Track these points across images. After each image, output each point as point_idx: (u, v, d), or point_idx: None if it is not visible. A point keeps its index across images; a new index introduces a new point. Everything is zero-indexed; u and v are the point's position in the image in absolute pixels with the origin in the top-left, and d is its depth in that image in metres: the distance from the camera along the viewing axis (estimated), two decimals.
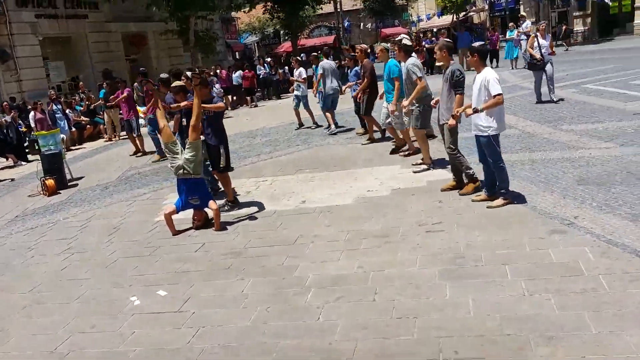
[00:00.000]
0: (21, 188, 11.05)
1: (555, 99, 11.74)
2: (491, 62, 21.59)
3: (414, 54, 8.61)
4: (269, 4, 31.69)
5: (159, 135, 10.03)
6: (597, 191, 5.93)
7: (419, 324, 3.79)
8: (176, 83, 7.80)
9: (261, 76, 24.33)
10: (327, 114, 12.11)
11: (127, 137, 14.08)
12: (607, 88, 12.86)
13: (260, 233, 6.23)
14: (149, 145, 12.73)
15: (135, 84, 16.12)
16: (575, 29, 38.67)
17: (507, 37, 22.76)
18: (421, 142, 7.97)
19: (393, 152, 9.24)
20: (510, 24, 23.60)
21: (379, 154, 9.31)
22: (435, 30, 39.50)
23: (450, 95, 6.49)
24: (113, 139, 16.74)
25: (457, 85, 6.31)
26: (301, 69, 13.92)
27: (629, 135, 8.07)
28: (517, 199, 6.03)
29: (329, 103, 12.08)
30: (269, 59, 28.56)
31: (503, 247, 4.85)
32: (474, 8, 45.53)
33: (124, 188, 9.68)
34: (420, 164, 7.99)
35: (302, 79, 13.52)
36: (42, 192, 9.87)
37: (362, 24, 57.63)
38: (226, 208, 7.16)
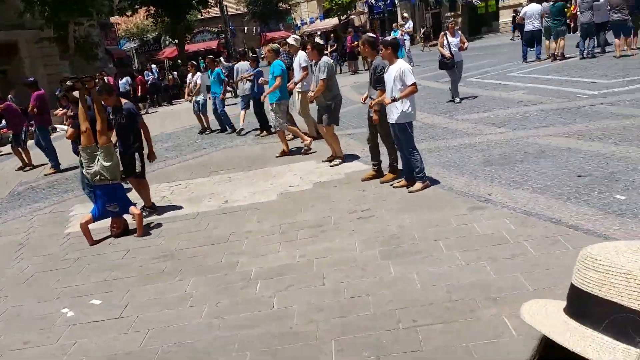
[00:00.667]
0: None
1: (457, 100, 11.37)
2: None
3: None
4: (152, 8, 30.63)
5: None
6: (502, 170, 6.49)
7: (373, 301, 3.95)
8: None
9: (149, 82, 23.52)
10: (242, 112, 12.09)
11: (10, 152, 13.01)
12: (489, 80, 13.99)
13: (188, 235, 6.10)
14: (37, 158, 11.86)
15: (10, 95, 14.96)
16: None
17: (391, 37, 23.87)
18: (332, 139, 8.17)
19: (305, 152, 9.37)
20: (394, 24, 24.84)
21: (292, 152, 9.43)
22: (319, 32, 40.75)
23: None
24: None
25: (378, 80, 6.58)
26: (198, 73, 13.60)
27: (519, 121, 8.88)
28: (434, 182, 6.43)
29: (244, 104, 12.20)
30: (154, 65, 27.62)
31: (432, 226, 5.17)
32: (354, 11, 47.13)
33: (18, 204, 8.95)
34: (333, 158, 8.20)
35: (198, 84, 13.25)
36: None
37: (246, 27, 57.51)
38: (145, 214, 6.91)
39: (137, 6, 29.97)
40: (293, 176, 7.89)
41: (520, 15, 17.12)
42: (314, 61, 8.28)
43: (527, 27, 15.88)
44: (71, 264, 5.71)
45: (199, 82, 13.30)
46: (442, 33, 11.60)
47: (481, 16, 42.15)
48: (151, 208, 7.08)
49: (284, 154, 9.20)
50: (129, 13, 30.23)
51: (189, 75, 13.90)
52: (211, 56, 15.63)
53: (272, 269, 4.80)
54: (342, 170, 7.73)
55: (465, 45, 11.60)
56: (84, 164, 6.33)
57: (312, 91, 8.27)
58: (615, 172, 5.78)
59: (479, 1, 40.05)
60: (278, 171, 8.30)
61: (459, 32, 11.57)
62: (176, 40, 40.38)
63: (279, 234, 5.65)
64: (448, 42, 11.20)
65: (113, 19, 41.50)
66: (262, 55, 27.69)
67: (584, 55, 14.82)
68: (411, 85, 6.01)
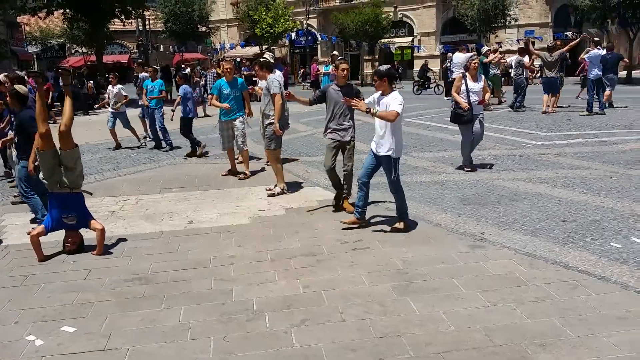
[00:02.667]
0: None
1: (467, 169, 8.61)
2: None
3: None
4: (69, 12, 28.72)
5: None
6: (484, 210, 6.49)
7: (408, 341, 3.63)
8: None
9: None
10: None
11: None
12: (429, 122, 14.36)
13: (159, 256, 5.44)
14: None
15: None
16: (365, 72, 42.79)
17: (322, 71, 24.11)
18: (275, 164, 7.75)
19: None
20: (326, 59, 25.15)
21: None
22: (239, 59, 40.45)
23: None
24: None
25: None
26: (118, 85, 12.59)
27: (477, 163, 9.04)
28: (417, 217, 6.29)
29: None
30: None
31: (438, 262, 4.97)
32: (279, 42, 47.38)
33: None
34: (274, 187, 7.76)
35: (123, 96, 12.53)
36: None
37: (161, 45, 55.89)
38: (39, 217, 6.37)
39: (53, 8, 28.03)
40: (259, 200, 7.43)
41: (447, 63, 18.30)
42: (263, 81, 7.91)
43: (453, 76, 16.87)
44: (22, 282, 4.85)
45: (124, 93, 12.45)
46: (460, 75, 8.82)
47: (397, 63, 44.10)
48: None
49: (230, 172, 8.94)
50: (42, 13, 28.21)
51: (110, 87, 12.81)
52: (154, 66, 14.78)
53: (276, 300, 4.33)
54: (312, 198, 7.39)
55: (488, 97, 9.03)
56: (42, 171, 5.50)
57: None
58: (598, 220, 5.93)
59: (396, 48, 41.84)
60: (240, 193, 7.79)
61: (482, 76, 8.84)
62: (88, 50, 38.32)
63: (269, 261, 5.18)
64: (467, 88, 8.38)
65: (20, 19, 38.66)
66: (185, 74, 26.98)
67: (515, 108, 15.73)
68: (395, 111, 5.77)
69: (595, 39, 16.30)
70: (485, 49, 18.53)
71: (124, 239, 5.96)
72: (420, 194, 7.31)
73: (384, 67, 6.13)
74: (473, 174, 8.36)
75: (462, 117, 8.39)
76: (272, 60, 8.67)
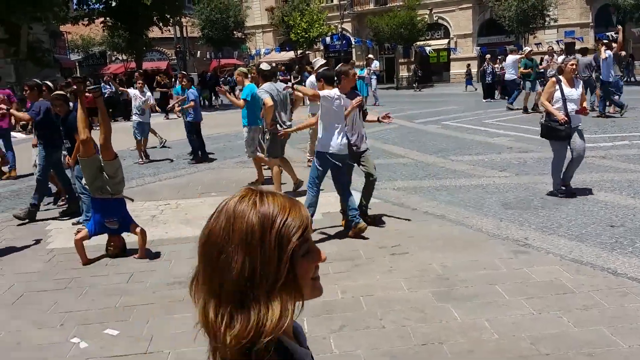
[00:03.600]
0: None
1: (560, 195, 6.96)
2: None
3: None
4: (109, 20, 29.52)
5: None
6: (527, 215, 6.32)
7: (450, 349, 3.55)
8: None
9: (106, 95, 22.39)
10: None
11: None
12: (467, 125, 14.14)
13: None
14: None
15: None
16: (400, 75, 42.54)
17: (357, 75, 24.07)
18: (273, 173, 7.80)
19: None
20: (360, 63, 25.08)
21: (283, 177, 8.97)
22: (274, 64, 40.70)
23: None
24: None
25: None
26: (148, 92, 12.14)
27: (518, 166, 8.86)
28: (457, 222, 6.18)
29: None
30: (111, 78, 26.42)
31: (479, 268, 4.86)
32: (313, 47, 47.49)
33: None
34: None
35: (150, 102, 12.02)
36: None
37: (198, 52, 56.81)
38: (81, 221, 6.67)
39: (94, 16, 28.84)
40: None
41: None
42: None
43: (506, 77, 17.08)
44: (67, 285, 4.96)
45: (152, 101, 12.32)
46: (553, 78, 7.20)
47: (432, 65, 43.65)
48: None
49: (257, 181, 8.73)
50: (85, 22, 29.04)
51: (136, 91, 11.98)
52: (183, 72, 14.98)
53: (315, 305, 4.29)
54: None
55: (587, 105, 7.23)
56: (84, 177, 5.64)
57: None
58: None
59: (432, 50, 41.41)
60: None
61: (580, 80, 7.31)
62: (128, 57, 39.26)
63: None
64: (563, 95, 6.80)
65: (63, 28, 39.87)
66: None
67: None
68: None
69: (605, 40, 15.82)
70: (527, 49, 18.06)
71: (165, 243, 6.04)
72: (460, 198, 7.19)
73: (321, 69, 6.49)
74: (515, 177, 8.18)
75: (559, 132, 6.74)
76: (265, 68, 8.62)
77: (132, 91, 12.13)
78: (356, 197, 6.19)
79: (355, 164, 6.26)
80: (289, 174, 8.10)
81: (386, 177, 8.54)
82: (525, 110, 15.77)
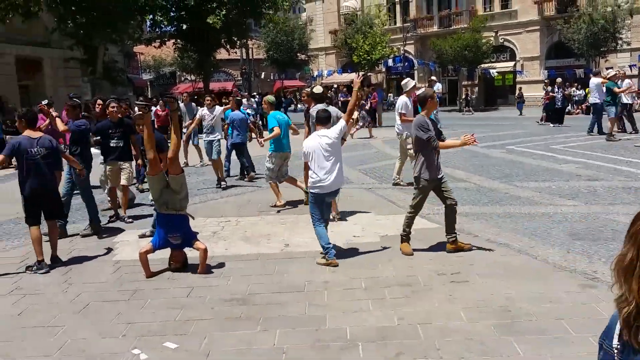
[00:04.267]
0: None
1: None
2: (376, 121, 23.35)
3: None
4: (179, 41, 30.78)
5: None
6: (597, 247, 6.02)
7: None
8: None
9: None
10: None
11: None
12: (533, 150, 13.71)
13: (256, 278, 5.54)
14: None
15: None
16: (463, 97, 41.90)
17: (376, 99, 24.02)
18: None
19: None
20: (422, 85, 24.91)
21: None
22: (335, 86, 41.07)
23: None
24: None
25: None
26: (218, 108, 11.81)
27: (587, 195, 8.48)
28: (521, 251, 5.97)
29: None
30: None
31: (545, 301, 4.65)
32: (375, 69, 47.68)
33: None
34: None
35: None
36: None
37: (263, 73, 58.19)
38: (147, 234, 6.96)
39: (166, 38, 30.14)
40: (353, 225, 7.41)
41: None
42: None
43: (590, 100, 16.88)
44: (130, 297, 5.13)
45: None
46: None
47: (497, 88, 42.80)
48: None
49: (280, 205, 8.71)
50: (156, 43, 30.37)
51: (205, 110, 11.54)
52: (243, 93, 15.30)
53: (370, 330, 4.24)
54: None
55: None
56: (151, 193, 5.86)
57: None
58: None
59: (497, 73, 40.65)
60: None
61: None
62: (196, 77, 40.82)
63: (362, 289, 5.11)
64: None
65: (136, 49, 41.94)
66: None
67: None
68: None
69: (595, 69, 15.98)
70: (610, 72, 17.16)
71: (224, 259, 6.15)
72: (525, 227, 6.94)
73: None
74: (584, 206, 7.83)
75: None
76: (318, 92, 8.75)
77: (201, 110, 11.81)
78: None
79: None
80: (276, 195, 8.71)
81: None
82: (610, 136, 14.95)
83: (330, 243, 5.88)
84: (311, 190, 6.00)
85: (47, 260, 6.02)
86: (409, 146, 9.32)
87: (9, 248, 6.97)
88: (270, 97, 9.91)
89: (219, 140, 11.25)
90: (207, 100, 11.79)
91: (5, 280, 5.70)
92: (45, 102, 7.95)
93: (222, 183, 10.60)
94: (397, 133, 10.29)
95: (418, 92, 7.95)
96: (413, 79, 41.00)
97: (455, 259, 5.85)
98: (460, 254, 5.95)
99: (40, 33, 23.68)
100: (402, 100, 10.23)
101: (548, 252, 5.93)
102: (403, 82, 10.55)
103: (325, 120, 6.15)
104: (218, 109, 11.66)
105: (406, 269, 5.59)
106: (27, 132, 6.18)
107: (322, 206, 6.06)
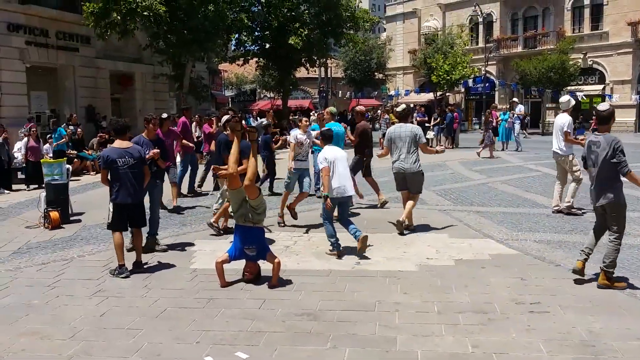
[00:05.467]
0: (12, 218, 10.00)
1: None
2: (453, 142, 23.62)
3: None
4: (262, 60, 31.76)
5: None
6: None
7: None
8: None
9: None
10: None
11: None
12: None
13: (327, 294, 5.55)
14: None
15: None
16: (547, 120, 40.27)
17: (499, 119, 23.26)
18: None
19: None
20: (503, 106, 24.29)
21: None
22: (412, 105, 40.78)
23: None
24: None
25: None
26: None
27: None
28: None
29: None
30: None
31: (632, 337, 4.36)
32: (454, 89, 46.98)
33: None
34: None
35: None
36: (43, 225, 8.90)
37: (340, 92, 58.75)
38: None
39: (249, 57, 31.18)
40: (427, 247, 7.27)
41: None
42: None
43: None
44: (205, 305, 5.28)
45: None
46: None
47: (584, 112, 40.88)
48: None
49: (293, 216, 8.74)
50: (239, 61, 31.46)
51: (298, 132, 9.21)
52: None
53: (442, 356, 4.13)
54: (484, 251, 7.03)
55: None
56: (231, 205, 6.06)
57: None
58: None
59: (584, 96, 38.83)
60: (408, 239, 7.71)
61: None
62: (275, 95, 41.86)
63: (435, 312, 5.00)
64: None
65: (220, 66, 43.68)
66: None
67: None
68: None
69: None
70: None
71: (296, 274, 6.21)
72: (619, 258, 6.53)
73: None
74: None
75: None
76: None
77: (293, 132, 9.44)
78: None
79: None
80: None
81: (527, 228, 8.07)
82: None
83: (334, 237, 6.96)
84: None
85: (129, 266, 6.32)
86: (575, 168, 8.96)
87: (95, 252, 7.38)
88: (332, 108, 10.31)
89: (308, 170, 9.35)
90: (304, 121, 9.43)
91: (91, 282, 6.04)
92: (164, 115, 9.25)
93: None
94: (558, 155, 9.25)
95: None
96: (493, 100, 40.11)
97: (535, 287, 5.60)
98: (540, 284, 5.70)
99: (134, 50, 25.16)
100: (566, 118, 9.09)
101: (638, 285, 5.56)
102: (562, 100, 9.62)
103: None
104: (311, 132, 9.64)
105: (482, 296, 5.41)
106: (117, 143, 6.56)
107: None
